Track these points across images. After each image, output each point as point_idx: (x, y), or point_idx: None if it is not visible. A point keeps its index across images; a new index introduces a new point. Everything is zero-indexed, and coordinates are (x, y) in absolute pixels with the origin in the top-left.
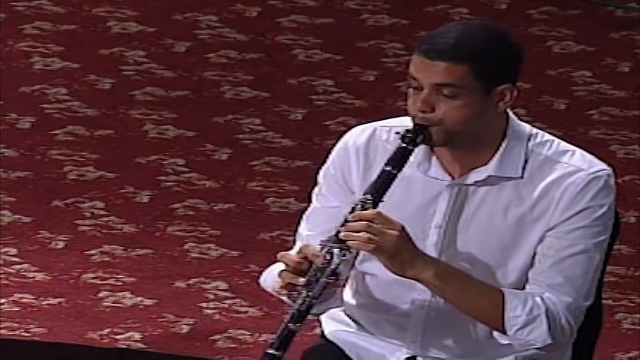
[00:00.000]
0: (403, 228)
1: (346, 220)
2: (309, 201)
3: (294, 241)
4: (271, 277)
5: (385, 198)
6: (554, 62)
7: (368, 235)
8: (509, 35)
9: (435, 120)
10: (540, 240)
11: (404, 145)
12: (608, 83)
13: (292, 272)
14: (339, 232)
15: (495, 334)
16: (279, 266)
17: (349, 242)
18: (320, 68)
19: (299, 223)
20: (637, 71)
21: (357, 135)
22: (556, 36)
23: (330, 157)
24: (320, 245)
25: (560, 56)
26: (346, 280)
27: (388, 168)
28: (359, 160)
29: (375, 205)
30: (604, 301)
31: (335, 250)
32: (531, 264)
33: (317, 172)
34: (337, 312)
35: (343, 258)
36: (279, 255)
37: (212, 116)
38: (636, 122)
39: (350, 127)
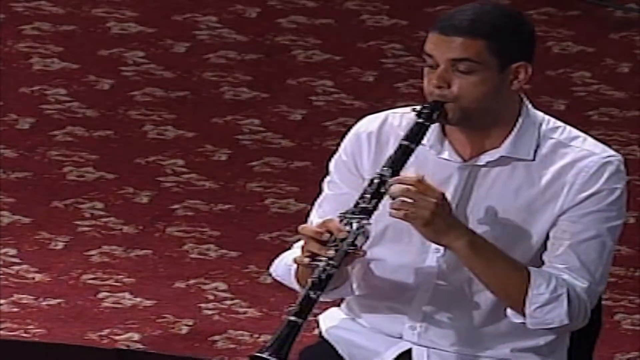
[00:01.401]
0: (443, 196)
1: (365, 192)
2: (309, 201)
3: (296, 240)
4: (282, 266)
5: (402, 173)
6: (553, 63)
7: (405, 200)
8: (523, 15)
9: (451, 97)
10: (552, 224)
11: (420, 120)
12: (607, 84)
13: (314, 242)
14: (357, 204)
15: (509, 312)
16: (289, 254)
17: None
18: (320, 69)
19: (298, 223)
20: (637, 72)
21: (368, 122)
22: (556, 37)
23: (342, 145)
24: (339, 217)
25: (560, 57)
26: (364, 254)
27: (405, 142)
28: (370, 146)
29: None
30: (603, 302)
31: (354, 221)
32: (544, 248)
33: (317, 172)
34: (335, 310)
35: (362, 229)
36: (299, 227)
37: (211, 117)
38: (636, 122)
39: (349, 128)
